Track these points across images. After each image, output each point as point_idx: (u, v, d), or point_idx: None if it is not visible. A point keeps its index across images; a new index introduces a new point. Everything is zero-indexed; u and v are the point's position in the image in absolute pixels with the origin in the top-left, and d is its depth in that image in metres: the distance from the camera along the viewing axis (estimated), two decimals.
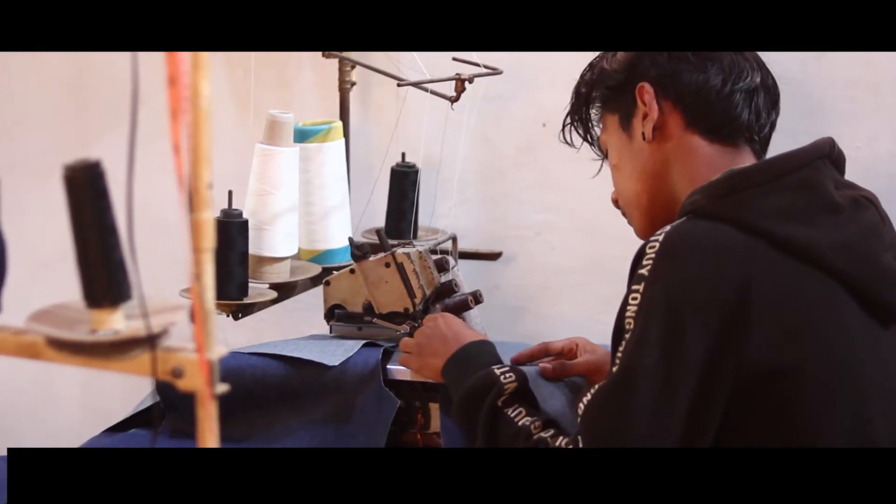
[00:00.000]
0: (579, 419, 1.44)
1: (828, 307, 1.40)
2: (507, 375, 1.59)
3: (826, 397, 1.38)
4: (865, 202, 1.48)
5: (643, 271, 1.40)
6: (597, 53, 1.67)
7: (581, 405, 1.44)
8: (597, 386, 1.43)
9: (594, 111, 1.68)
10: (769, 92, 1.58)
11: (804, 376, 1.37)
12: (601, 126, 1.68)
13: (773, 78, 1.60)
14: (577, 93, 1.70)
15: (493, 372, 1.60)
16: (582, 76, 1.69)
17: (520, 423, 1.53)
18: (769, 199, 1.42)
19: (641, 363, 1.38)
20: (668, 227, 1.43)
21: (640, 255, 1.42)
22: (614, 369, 1.41)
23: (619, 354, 1.41)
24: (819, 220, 1.42)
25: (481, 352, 1.70)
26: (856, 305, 1.42)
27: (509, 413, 1.55)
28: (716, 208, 1.43)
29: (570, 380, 1.78)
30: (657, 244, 1.40)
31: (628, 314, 1.40)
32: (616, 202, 1.68)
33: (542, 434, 1.50)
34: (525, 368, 1.68)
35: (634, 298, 1.40)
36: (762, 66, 1.59)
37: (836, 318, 1.41)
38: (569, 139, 1.73)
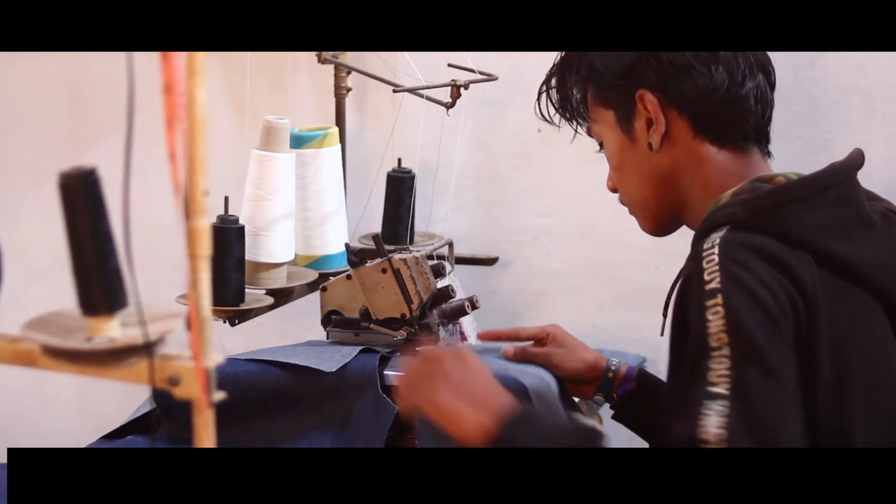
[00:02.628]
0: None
1: (867, 323, 1.40)
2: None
3: (858, 409, 1.38)
4: (892, 215, 1.49)
5: (713, 285, 1.33)
6: None
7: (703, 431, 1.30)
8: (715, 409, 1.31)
9: (577, 89, 1.61)
10: (768, 79, 1.55)
11: (843, 390, 1.36)
12: (590, 113, 1.62)
13: (768, 59, 1.56)
14: (560, 74, 1.62)
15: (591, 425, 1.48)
16: (563, 62, 1.62)
17: None
18: (812, 214, 1.40)
19: (754, 376, 1.30)
20: (716, 238, 1.38)
21: (698, 271, 1.35)
22: (724, 390, 1.30)
23: (720, 371, 1.31)
24: (857, 235, 1.42)
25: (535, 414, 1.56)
26: (888, 321, 1.42)
27: None
28: (758, 222, 1.40)
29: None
30: (714, 255, 1.35)
31: (714, 330, 1.32)
32: (614, 190, 1.64)
33: None
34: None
35: (716, 312, 1.32)
36: (758, 54, 1.54)
37: (873, 334, 1.41)
38: (546, 114, 1.66)
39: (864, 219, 1.44)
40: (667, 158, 1.54)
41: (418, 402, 1.47)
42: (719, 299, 1.33)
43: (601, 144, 1.65)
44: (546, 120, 1.69)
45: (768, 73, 1.55)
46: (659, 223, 1.60)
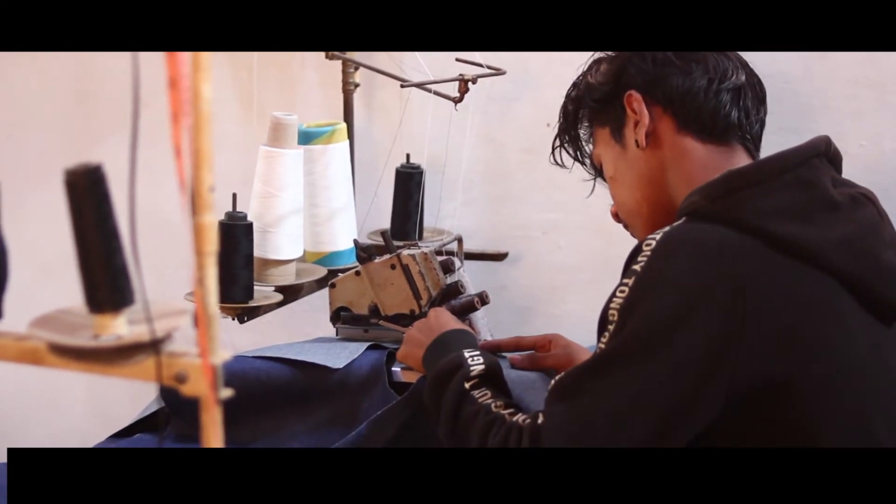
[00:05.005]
0: (546, 394, 1.44)
1: (827, 307, 1.39)
2: (476, 359, 1.59)
3: (826, 399, 1.37)
4: (864, 199, 1.47)
5: (636, 267, 1.39)
6: (590, 57, 1.67)
7: (553, 381, 1.44)
8: (573, 366, 1.44)
9: (583, 130, 1.68)
10: (755, 90, 1.57)
11: (803, 379, 1.36)
12: (592, 142, 1.68)
13: (757, 77, 1.59)
14: (565, 112, 1.70)
15: (462, 354, 1.61)
16: (567, 95, 1.69)
17: (481, 402, 1.53)
18: (767, 197, 1.41)
19: (620, 353, 1.37)
20: (666, 228, 1.42)
21: (637, 251, 1.41)
22: (594, 354, 1.41)
23: (600, 344, 1.41)
24: (818, 217, 1.41)
25: (457, 338, 1.70)
26: (856, 304, 1.40)
27: (475, 394, 1.55)
28: (714, 209, 1.42)
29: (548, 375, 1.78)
30: (654, 242, 1.40)
31: (613, 306, 1.40)
32: (616, 216, 1.68)
33: (502, 412, 1.50)
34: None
35: (622, 292, 1.39)
36: (745, 66, 1.58)
37: (835, 318, 1.39)
38: (559, 160, 1.74)
39: (825, 201, 1.42)
40: (654, 157, 1.56)
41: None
42: (632, 281, 1.39)
43: (600, 167, 1.68)
44: (559, 164, 1.75)
45: (753, 84, 1.58)
46: (654, 229, 1.57)
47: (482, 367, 1.58)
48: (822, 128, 2.09)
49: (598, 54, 1.66)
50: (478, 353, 1.61)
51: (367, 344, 1.89)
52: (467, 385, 1.56)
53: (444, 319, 1.78)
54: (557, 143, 1.73)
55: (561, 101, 1.73)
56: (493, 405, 1.51)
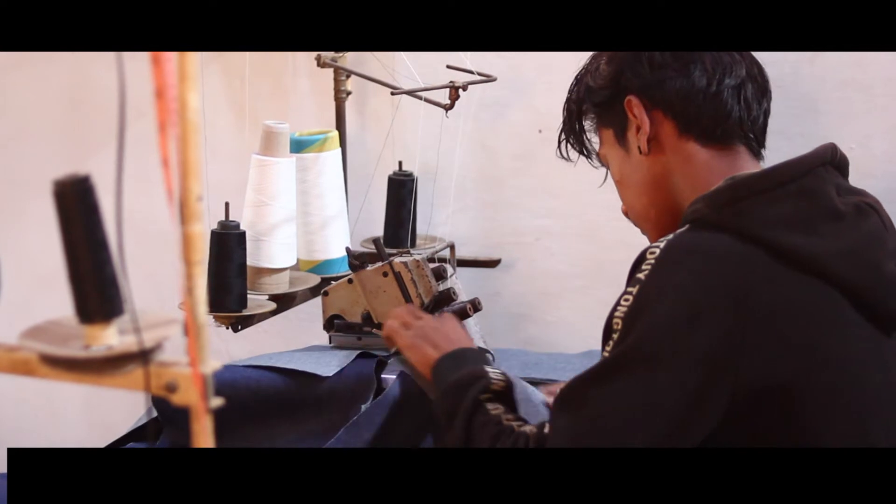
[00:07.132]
0: (552, 403, 1.44)
1: (829, 318, 1.39)
2: (497, 374, 1.59)
3: (827, 410, 1.37)
4: (868, 209, 1.46)
5: (640, 275, 1.39)
6: (587, 57, 1.66)
7: (558, 391, 1.44)
8: (576, 375, 1.43)
9: (588, 123, 1.67)
10: (756, 81, 1.55)
11: (805, 388, 1.36)
12: (598, 138, 1.67)
13: (758, 65, 1.57)
14: (568, 111, 1.68)
15: (483, 368, 1.61)
16: (569, 92, 1.68)
17: (493, 414, 1.53)
18: (771, 207, 1.41)
19: (624, 361, 1.37)
20: (670, 236, 1.42)
21: (641, 259, 1.41)
22: (598, 363, 1.41)
23: (605, 353, 1.41)
24: (821, 228, 1.40)
25: (479, 357, 1.70)
26: (858, 315, 1.40)
27: (488, 406, 1.55)
28: (717, 217, 1.41)
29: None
30: (658, 251, 1.40)
31: (618, 314, 1.40)
32: (627, 214, 1.67)
33: (512, 423, 1.50)
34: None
35: (627, 300, 1.39)
36: (745, 56, 1.56)
37: (837, 328, 1.39)
38: (565, 154, 1.72)
39: (829, 211, 1.42)
40: (658, 162, 1.56)
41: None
42: (636, 289, 1.39)
43: (608, 165, 1.67)
44: (564, 158, 1.73)
45: (754, 75, 1.56)
46: (663, 233, 1.56)
47: (502, 384, 1.58)
48: (811, 131, 2.10)
49: (591, 54, 1.65)
50: (500, 371, 1.61)
51: (358, 352, 1.89)
52: (482, 397, 1.56)
53: (463, 334, 1.78)
54: (562, 137, 1.71)
55: (553, 107, 1.72)
56: (503, 418, 1.52)
